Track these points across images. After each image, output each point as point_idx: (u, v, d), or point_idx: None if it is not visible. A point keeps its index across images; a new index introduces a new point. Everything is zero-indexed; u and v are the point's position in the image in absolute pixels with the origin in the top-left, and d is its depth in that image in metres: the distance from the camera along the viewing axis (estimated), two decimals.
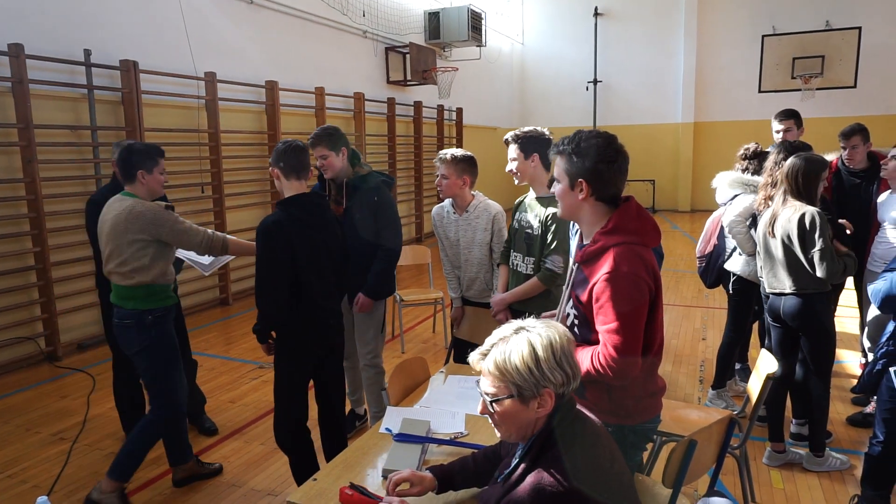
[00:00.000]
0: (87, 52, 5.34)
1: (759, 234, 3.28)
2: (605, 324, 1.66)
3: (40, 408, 4.21)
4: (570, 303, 1.83)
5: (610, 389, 1.76)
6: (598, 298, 1.67)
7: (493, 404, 1.39)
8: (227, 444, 3.65)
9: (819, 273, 2.96)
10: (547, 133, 3.04)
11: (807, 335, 3.14)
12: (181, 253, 3.26)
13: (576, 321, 1.80)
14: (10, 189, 4.91)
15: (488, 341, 1.42)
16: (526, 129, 3.04)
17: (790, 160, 3.12)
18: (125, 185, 2.91)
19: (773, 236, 3.12)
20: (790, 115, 4.47)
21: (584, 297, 1.73)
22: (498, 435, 1.46)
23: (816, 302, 3.07)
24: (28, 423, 3.97)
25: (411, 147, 11.07)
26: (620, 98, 15.24)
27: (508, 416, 1.39)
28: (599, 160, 1.72)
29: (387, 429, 2.13)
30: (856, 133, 4.33)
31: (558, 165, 1.83)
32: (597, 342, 1.71)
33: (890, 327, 2.66)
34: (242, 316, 6.46)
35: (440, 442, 2.04)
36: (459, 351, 3.43)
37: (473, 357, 1.42)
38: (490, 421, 1.45)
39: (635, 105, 15.13)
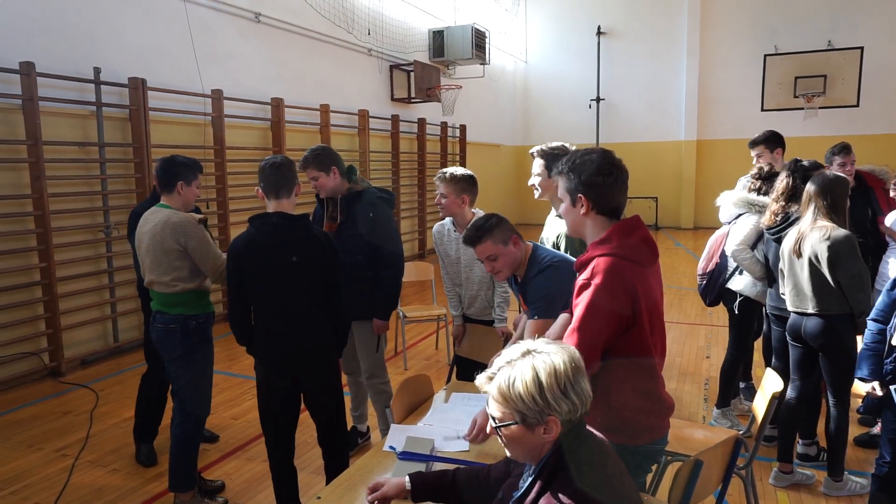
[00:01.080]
0: (97, 70, 5.41)
1: (783, 252, 3.21)
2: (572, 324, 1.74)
3: (43, 423, 4.20)
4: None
5: (608, 400, 1.76)
6: (574, 304, 1.77)
7: (500, 429, 1.39)
8: (230, 462, 3.64)
9: (850, 300, 2.93)
10: (569, 147, 3.03)
11: (828, 356, 3.09)
12: None
13: None
14: (17, 205, 4.95)
15: (496, 364, 1.39)
16: (553, 144, 3.02)
17: (819, 179, 3.04)
18: (162, 195, 2.98)
19: (800, 256, 3.06)
20: (756, 143, 4.51)
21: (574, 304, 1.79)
22: (508, 454, 1.46)
23: (839, 323, 3.01)
24: (31, 438, 3.96)
25: (415, 164, 11.13)
26: (623, 116, 15.33)
27: (515, 440, 1.37)
28: (596, 174, 1.76)
29: (391, 447, 2.13)
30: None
31: (560, 187, 1.88)
32: None
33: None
34: None
35: (444, 460, 2.04)
36: (462, 368, 3.42)
37: (480, 380, 1.41)
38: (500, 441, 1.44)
39: (638, 123, 15.21)
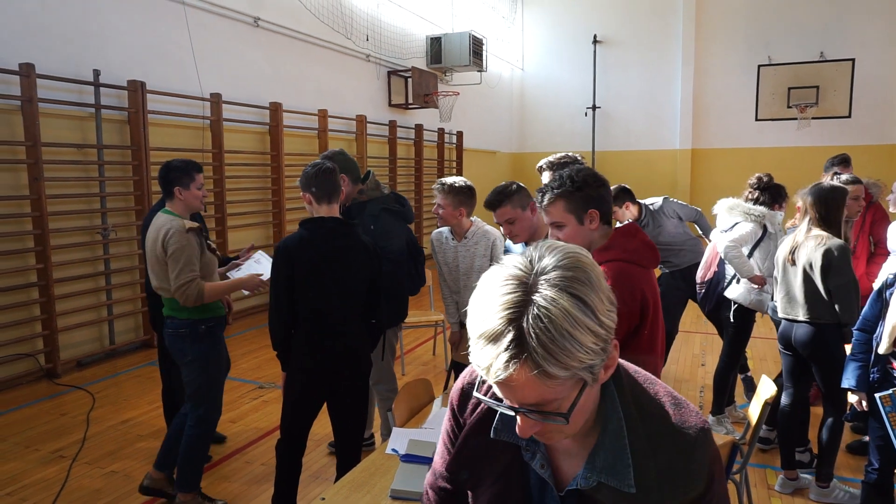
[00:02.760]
0: (97, 73, 5.42)
1: (777, 259, 3.28)
2: None
3: (39, 425, 4.19)
4: None
5: None
6: None
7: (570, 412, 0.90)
8: (229, 464, 3.65)
9: (839, 308, 2.97)
10: (580, 158, 3.07)
11: (817, 364, 3.13)
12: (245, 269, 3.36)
13: None
14: (15, 206, 4.95)
15: (504, 341, 0.84)
16: (558, 155, 3.08)
17: (815, 189, 3.09)
18: (166, 201, 3.01)
19: (794, 264, 3.11)
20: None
21: None
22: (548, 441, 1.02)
23: (828, 332, 3.05)
24: (27, 440, 3.96)
25: (412, 170, 11.17)
26: (619, 124, 15.43)
27: (582, 412, 0.94)
28: (598, 185, 1.80)
29: (393, 450, 2.15)
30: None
31: (557, 208, 1.83)
32: None
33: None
34: (243, 335, 6.45)
35: None
36: (459, 373, 3.43)
37: (502, 374, 0.84)
38: (539, 438, 0.98)
39: (633, 131, 15.31)
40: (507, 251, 3.15)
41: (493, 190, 2.70)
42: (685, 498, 0.98)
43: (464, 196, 3.29)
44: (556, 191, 1.84)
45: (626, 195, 4.50)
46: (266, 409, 4.48)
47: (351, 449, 2.89)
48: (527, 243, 2.71)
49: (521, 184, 2.73)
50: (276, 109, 7.51)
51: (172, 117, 6.22)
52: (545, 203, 1.86)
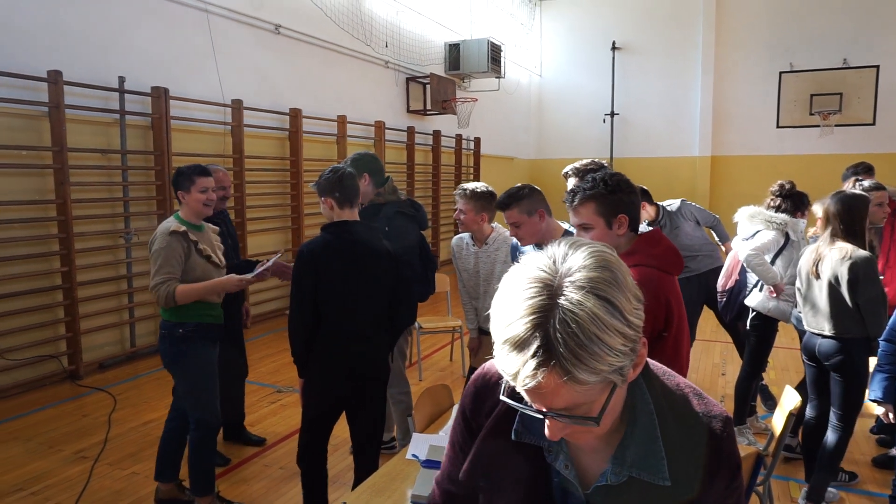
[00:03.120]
0: (122, 79, 5.51)
1: (800, 271, 3.19)
2: None
3: (62, 426, 4.25)
4: None
5: None
6: None
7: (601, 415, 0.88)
8: (247, 468, 3.67)
9: (868, 321, 2.88)
10: (605, 164, 3.08)
11: (840, 376, 3.02)
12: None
13: None
14: (41, 210, 5.04)
15: (531, 348, 0.81)
16: (585, 161, 3.08)
17: (838, 197, 3.00)
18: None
19: (818, 277, 3.01)
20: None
21: None
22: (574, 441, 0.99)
23: (854, 347, 2.95)
24: (50, 440, 4.01)
25: (429, 176, 11.20)
26: (638, 130, 15.35)
27: (612, 412, 0.92)
28: (630, 192, 1.79)
29: (413, 455, 2.15)
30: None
31: (588, 209, 1.83)
32: None
33: None
34: (261, 339, 6.50)
35: None
36: None
37: (530, 382, 0.82)
38: (568, 438, 0.94)
39: (652, 138, 15.22)
40: (519, 252, 3.15)
41: (504, 192, 2.75)
42: (716, 488, 0.99)
43: (485, 201, 3.29)
44: (588, 192, 1.83)
45: (642, 196, 4.48)
46: (284, 413, 4.50)
47: (370, 454, 2.89)
48: (538, 246, 2.74)
49: (535, 187, 2.75)
50: (295, 115, 7.58)
51: (195, 123, 6.31)
52: (576, 203, 1.84)
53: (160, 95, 5.79)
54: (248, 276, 3.10)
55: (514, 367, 0.83)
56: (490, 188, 3.35)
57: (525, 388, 0.84)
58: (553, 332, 0.80)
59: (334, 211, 2.70)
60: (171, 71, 6.09)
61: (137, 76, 5.71)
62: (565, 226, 2.85)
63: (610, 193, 1.80)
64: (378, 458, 2.93)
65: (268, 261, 3.28)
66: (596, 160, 3.24)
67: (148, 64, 5.86)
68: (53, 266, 5.11)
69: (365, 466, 2.84)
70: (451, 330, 5.55)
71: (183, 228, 2.92)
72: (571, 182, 3.06)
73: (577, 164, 3.13)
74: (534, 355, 0.81)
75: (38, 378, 4.99)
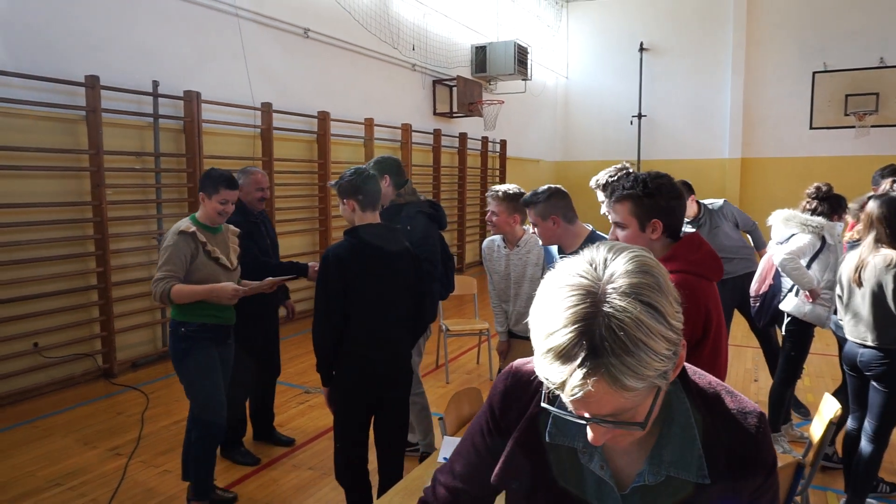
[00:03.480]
0: (156, 84, 5.62)
1: (840, 277, 3.09)
2: None
3: (97, 423, 4.34)
4: None
5: None
6: None
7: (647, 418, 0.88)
8: (276, 468, 3.70)
9: None
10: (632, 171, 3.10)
11: (881, 387, 2.91)
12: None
13: None
14: (77, 211, 5.16)
15: (577, 358, 0.80)
16: (616, 167, 3.12)
17: (882, 201, 2.89)
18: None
19: (861, 285, 2.90)
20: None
21: None
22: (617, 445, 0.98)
23: None
24: (86, 437, 4.10)
25: (455, 178, 11.20)
26: (665, 132, 15.17)
27: (655, 415, 0.90)
28: (671, 197, 1.75)
29: (445, 458, 2.14)
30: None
31: (623, 208, 1.82)
32: None
33: None
34: (289, 340, 6.55)
35: None
36: None
37: (579, 392, 0.81)
38: (609, 442, 0.92)
39: (680, 140, 15.02)
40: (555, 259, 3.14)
41: (532, 190, 2.84)
42: (751, 484, 0.98)
43: (517, 203, 3.28)
44: (625, 191, 1.81)
45: (686, 189, 4.43)
46: (312, 414, 4.53)
47: (396, 458, 2.88)
48: (562, 250, 2.81)
49: (559, 191, 2.79)
50: (324, 118, 7.65)
51: (225, 126, 6.40)
52: (613, 200, 1.83)
53: (192, 99, 5.88)
54: (250, 286, 3.14)
55: (559, 377, 0.82)
56: (522, 190, 3.34)
57: (573, 398, 0.83)
58: (599, 340, 0.80)
59: (356, 213, 2.67)
60: (203, 75, 6.19)
61: (170, 80, 5.81)
62: (589, 227, 2.88)
63: (646, 196, 1.77)
64: (403, 463, 2.93)
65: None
66: (625, 164, 3.24)
67: (180, 68, 5.96)
68: (89, 266, 5.23)
69: (391, 472, 2.83)
70: (478, 333, 5.53)
71: (193, 229, 2.94)
72: (600, 191, 3.15)
73: (607, 177, 3.16)
74: (581, 365, 0.80)
75: (74, 376, 5.10)
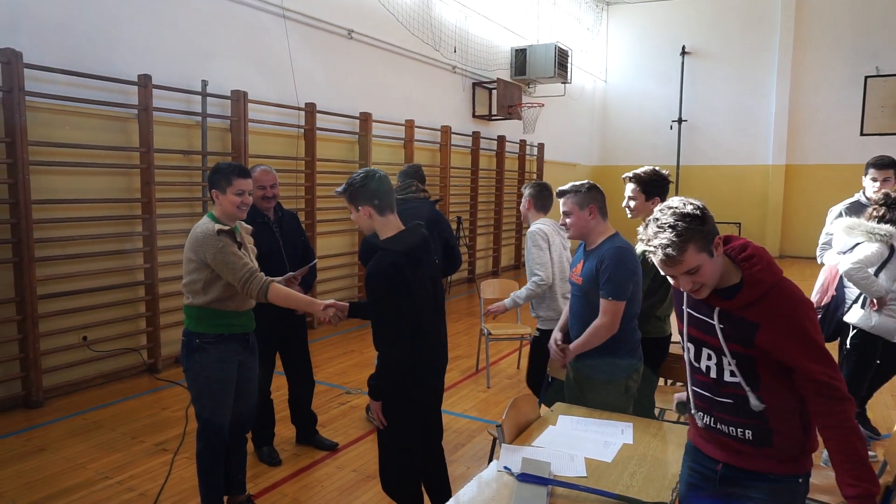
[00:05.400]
0: (204, 83, 5.69)
1: None
2: (811, 354, 1.66)
3: (143, 417, 4.38)
4: (715, 356, 1.76)
5: (805, 426, 1.77)
6: (794, 333, 1.65)
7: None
8: (320, 469, 3.68)
9: None
10: (666, 174, 3.08)
11: None
12: None
13: (735, 368, 1.74)
14: (127, 208, 5.24)
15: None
16: (646, 169, 3.14)
17: None
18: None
19: None
20: (885, 166, 4.18)
21: (757, 341, 1.67)
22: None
23: None
24: (133, 431, 4.14)
25: (493, 181, 11.14)
26: (706, 138, 14.86)
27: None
28: (710, 223, 1.70)
29: (506, 467, 2.08)
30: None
31: (689, 257, 1.64)
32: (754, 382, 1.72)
33: None
34: (329, 339, 6.57)
35: (563, 485, 1.97)
36: (550, 387, 3.32)
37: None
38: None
39: (722, 145, 14.71)
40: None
41: (572, 182, 2.88)
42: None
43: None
44: (680, 236, 1.62)
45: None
46: (353, 415, 4.51)
47: (441, 465, 2.83)
48: (586, 246, 2.86)
49: (597, 186, 2.83)
50: (365, 119, 7.66)
51: (270, 126, 6.44)
52: (675, 255, 1.64)
53: (239, 99, 5.94)
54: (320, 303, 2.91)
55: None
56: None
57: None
58: None
59: (374, 219, 2.45)
60: (250, 75, 6.24)
61: (218, 80, 5.87)
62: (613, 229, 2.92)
63: (701, 225, 1.64)
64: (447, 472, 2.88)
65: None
66: (656, 168, 3.18)
67: (228, 68, 6.03)
68: (137, 262, 5.30)
69: (438, 486, 2.77)
70: (519, 337, 5.45)
71: (227, 227, 2.75)
72: (630, 187, 3.14)
73: (638, 171, 3.18)
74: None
75: (120, 370, 5.17)
